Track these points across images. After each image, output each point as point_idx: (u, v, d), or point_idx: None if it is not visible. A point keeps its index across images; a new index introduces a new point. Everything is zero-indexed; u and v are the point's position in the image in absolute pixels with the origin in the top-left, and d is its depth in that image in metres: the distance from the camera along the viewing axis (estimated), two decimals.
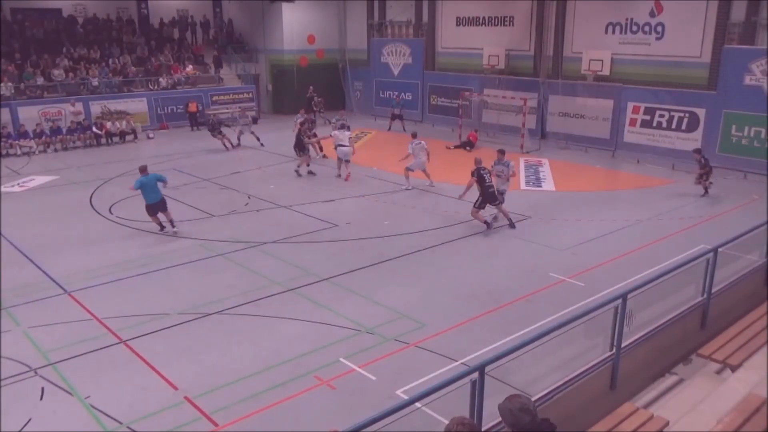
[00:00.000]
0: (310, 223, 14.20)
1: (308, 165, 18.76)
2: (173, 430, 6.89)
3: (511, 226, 13.65)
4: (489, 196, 13.30)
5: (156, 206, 13.40)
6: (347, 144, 18.07)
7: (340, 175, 18.27)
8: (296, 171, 18.68)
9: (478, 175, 13.24)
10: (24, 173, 19.26)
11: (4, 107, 22.81)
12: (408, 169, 16.82)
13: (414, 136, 17.40)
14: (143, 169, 13.64)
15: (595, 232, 13.47)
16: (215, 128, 22.81)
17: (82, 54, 26.86)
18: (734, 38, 19.11)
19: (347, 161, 18.15)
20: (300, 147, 18.88)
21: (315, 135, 20.98)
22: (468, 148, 22.53)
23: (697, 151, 16.50)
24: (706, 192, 16.19)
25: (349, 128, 19.11)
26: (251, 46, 32.26)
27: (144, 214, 14.83)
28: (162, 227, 13.51)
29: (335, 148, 18.32)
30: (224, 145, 22.73)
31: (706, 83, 19.70)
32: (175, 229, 13.47)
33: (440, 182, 17.24)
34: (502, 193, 13.73)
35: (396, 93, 29.18)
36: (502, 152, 14.23)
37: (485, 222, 13.48)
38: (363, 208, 15.32)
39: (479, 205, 13.36)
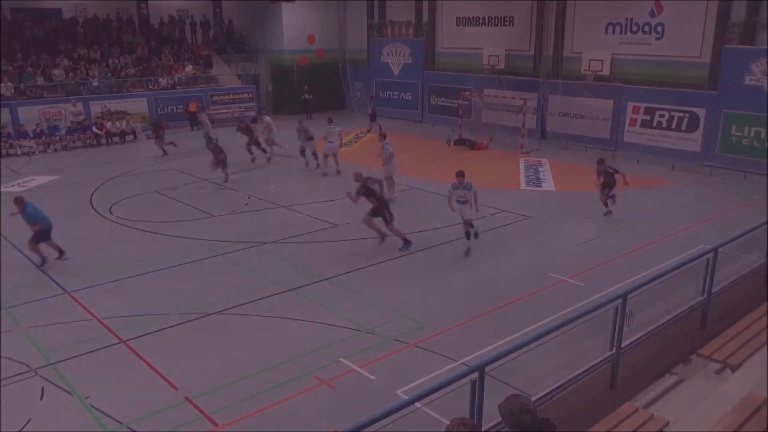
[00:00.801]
0: (310, 223, 14.20)
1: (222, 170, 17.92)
2: (173, 430, 6.88)
3: (406, 245, 12.45)
4: (383, 203, 12.41)
5: (50, 230, 11.87)
6: (334, 141, 18.38)
7: (318, 167, 18.72)
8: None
9: (365, 191, 12.29)
10: (24, 173, 19.25)
11: (4, 107, 22.80)
12: (388, 177, 15.57)
13: (385, 136, 16.35)
14: (22, 200, 11.83)
15: (595, 232, 13.47)
16: (159, 132, 21.90)
17: (82, 54, 26.86)
18: (734, 38, 19.12)
19: (334, 155, 18.51)
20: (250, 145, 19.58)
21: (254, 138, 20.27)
22: (468, 145, 22.66)
23: (601, 161, 14.65)
24: (609, 208, 14.53)
25: (330, 121, 18.88)
26: (251, 46, 32.26)
27: (143, 214, 14.87)
28: (44, 260, 11.71)
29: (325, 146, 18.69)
30: (162, 149, 21.71)
31: (706, 83, 19.70)
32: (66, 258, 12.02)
33: (440, 182, 17.21)
34: (468, 222, 12.13)
35: (372, 93, 29.27)
36: (461, 174, 12.14)
37: (379, 232, 12.49)
38: (363, 208, 15.28)
39: (373, 213, 12.42)
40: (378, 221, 12.46)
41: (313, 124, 23.49)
